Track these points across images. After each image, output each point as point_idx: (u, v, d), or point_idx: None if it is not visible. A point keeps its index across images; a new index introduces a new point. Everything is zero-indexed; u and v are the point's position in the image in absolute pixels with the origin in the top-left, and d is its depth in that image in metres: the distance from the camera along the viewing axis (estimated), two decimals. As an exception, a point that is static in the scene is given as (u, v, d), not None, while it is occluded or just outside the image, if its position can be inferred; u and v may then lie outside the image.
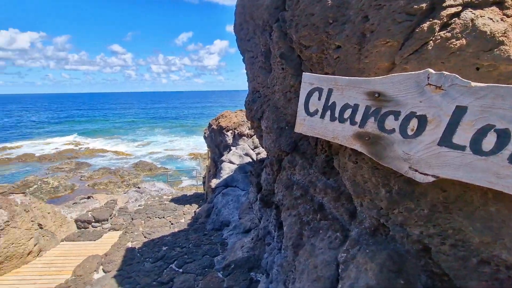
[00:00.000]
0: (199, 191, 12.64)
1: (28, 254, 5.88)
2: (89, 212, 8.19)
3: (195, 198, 10.60)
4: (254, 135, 9.90)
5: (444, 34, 1.30)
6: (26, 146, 31.45)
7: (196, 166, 21.29)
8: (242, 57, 3.60)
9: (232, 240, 6.11)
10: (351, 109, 1.56)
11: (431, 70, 1.22)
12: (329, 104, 1.69)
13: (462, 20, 1.27)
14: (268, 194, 3.26)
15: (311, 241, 2.18)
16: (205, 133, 11.64)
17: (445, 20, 1.31)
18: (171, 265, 5.38)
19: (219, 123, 10.67)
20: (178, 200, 10.45)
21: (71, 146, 31.70)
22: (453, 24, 1.29)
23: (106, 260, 5.80)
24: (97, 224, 7.92)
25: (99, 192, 15.13)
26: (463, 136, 1.13)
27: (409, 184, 1.46)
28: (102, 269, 5.55)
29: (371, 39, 1.56)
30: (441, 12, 1.31)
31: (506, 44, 1.20)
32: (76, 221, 7.90)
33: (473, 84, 1.10)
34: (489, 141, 1.07)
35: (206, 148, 12.44)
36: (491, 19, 1.23)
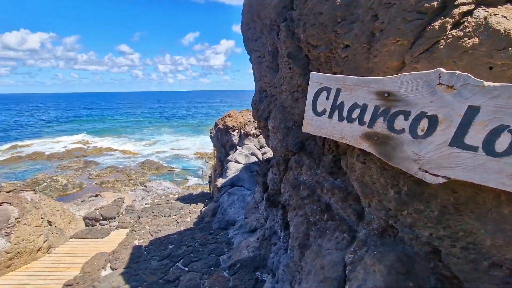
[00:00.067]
0: (205, 190, 12.71)
1: (38, 250, 6.00)
2: (97, 210, 8.31)
3: (201, 197, 10.65)
4: (260, 134, 9.90)
5: (456, 32, 1.28)
6: (36, 145, 32.07)
7: (202, 165, 21.40)
8: (249, 57, 3.60)
9: (237, 239, 6.12)
10: (359, 109, 1.54)
11: (442, 69, 1.20)
12: (337, 103, 1.67)
13: (475, 18, 1.24)
14: (275, 194, 3.25)
15: (318, 241, 2.16)
16: (211, 132, 11.69)
17: (457, 18, 1.29)
18: (177, 264, 5.42)
19: (225, 122, 10.70)
20: (184, 199, 10.52)
21: (80, 145, 32.18)
22: (465, 23, 1.26)
23: (114, 257, 5.87)
24: (104, 222, 8.03)
25: (107, 190, 15.33)
26: (475, 136, 1.11)
27: (418, 185, 1.43)
28: (110, 266, 5.63)
29: (380, 38, 1.54)
30: (453, 10, 1.29)
31: (521, 43, 1.17)
32: (84, 218, 8.03)
33: (486, 83, 1.07)
34: (503, 142, 1.04)
35: (212, 147, 12.49)
36: (505, 17, 1.21)
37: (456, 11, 1.28)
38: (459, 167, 1.16)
